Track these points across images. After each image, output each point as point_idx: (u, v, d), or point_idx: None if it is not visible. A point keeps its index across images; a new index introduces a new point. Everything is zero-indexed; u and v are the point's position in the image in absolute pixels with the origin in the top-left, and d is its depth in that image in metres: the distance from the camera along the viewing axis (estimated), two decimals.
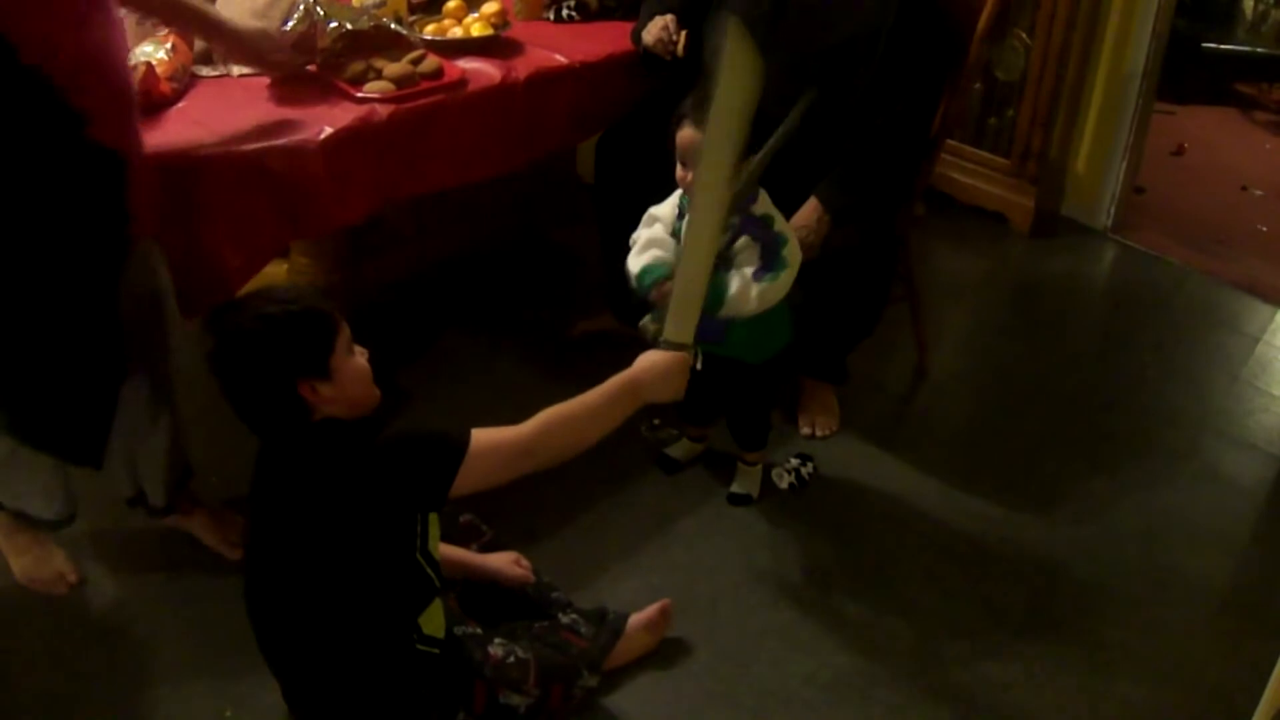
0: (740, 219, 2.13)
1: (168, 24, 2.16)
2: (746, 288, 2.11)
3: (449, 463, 1.66)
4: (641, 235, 2.23)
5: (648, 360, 1.85)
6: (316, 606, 1.73)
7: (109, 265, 1.92)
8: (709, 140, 1.80)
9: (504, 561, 2.15)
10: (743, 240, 2.13)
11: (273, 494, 1.73)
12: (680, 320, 1.89)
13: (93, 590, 2.26)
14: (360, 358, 1.75)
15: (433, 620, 1.84)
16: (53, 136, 1.76)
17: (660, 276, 2.13)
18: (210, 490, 2.36)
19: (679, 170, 2.15)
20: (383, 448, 1.69)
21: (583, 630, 2.06)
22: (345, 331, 1.72)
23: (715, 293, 2.14)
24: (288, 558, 1.73)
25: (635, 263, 2.20)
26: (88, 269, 1.89)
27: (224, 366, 1.68)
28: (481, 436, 1.69)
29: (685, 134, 2.12)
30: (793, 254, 2.17)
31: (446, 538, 1.98)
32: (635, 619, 2.11)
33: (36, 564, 2.24)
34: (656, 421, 1.82)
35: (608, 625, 2.09)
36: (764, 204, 2.17)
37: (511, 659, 1.92)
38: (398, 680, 1.79)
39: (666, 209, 2.24)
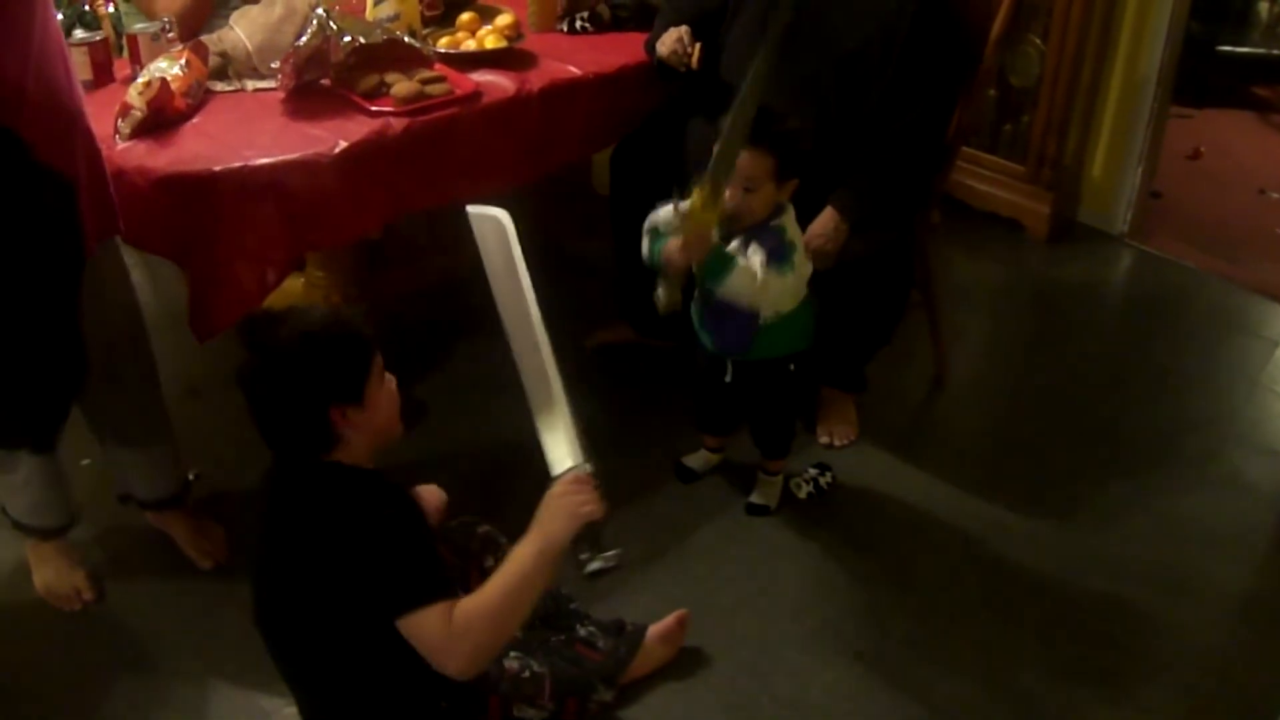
0: (751, 229, 2.13)
1: None
2: (752, 268, 2.09)
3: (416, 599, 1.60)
4: (646, 232, 2.22)
5: (545, 509, 1.71)
6: (337, 643, 1.68)
7: (65, 282, 1.92)
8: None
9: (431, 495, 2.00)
10: (753, 246, 2.13)
11: (281, 534, 1.68)
12: (556, 446, 1.79)
13: (111, 599, 2.27)
14: (390, 384, 1.71)
15: None
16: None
17: (665, 238, 2.12)
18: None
19: (728, 192, 2.09)
20: (376, 536, 1.61)
21: (600, 644, 2.05)
22: (379, 358, 1.68)
23: (718, 265, 2.12)
24: (303, 598, 1.67)
25: (645, 245, 2.19)
26: (44, 286, 1.90)
27: (257, 383, 1.61)
28: (434, 611, 1.59)
29: (747, 158, 2.06)
30: (801, 262, 2.16)
31: (463, 551, 1.97)
32: (653, 630, 2.11)
33: (56, 577, 2.25)
34: (584, 556, 1.79)
35: (625, 637, 2.08)
36: (787, 218, 2.17)
37: (527, 673, 1.91)
38: (422, 706, 1.77)
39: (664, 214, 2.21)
